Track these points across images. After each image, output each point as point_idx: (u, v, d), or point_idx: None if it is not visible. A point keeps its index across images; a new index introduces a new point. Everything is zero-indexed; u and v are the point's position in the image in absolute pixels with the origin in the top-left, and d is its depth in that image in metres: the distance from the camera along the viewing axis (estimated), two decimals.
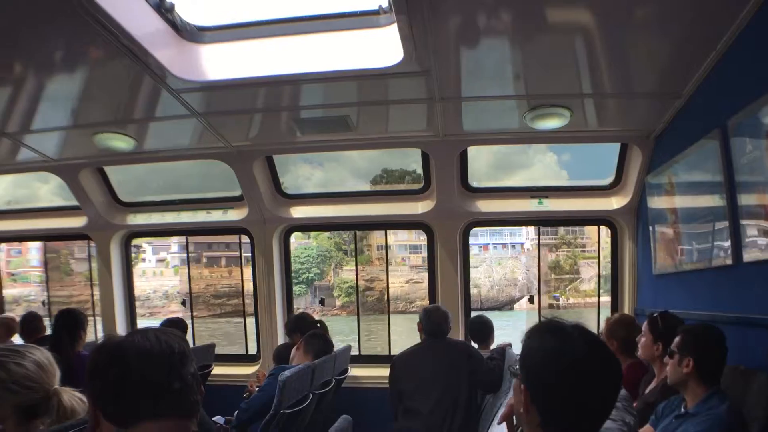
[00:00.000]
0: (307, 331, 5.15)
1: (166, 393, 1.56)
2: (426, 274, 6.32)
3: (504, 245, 39.87)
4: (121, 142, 5.24)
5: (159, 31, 3.88)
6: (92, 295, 7.20)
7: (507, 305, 37.40)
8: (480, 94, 4.41)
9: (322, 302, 24.79)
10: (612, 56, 3.79)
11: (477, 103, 4.56)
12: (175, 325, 5.59)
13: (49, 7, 3.20)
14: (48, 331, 5.81)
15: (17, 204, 7.89)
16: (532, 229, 31.35)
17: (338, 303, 36.56)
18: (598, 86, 4.24)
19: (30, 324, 5.66)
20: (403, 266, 36.66)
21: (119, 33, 3.44)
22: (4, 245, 11.54)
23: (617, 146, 5.45)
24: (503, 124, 4.99)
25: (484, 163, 5.71)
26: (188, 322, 6.04)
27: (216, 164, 5.84)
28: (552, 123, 4.61)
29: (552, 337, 1.59)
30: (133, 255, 6.76)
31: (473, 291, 6.28)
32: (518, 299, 36.81)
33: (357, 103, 4.63)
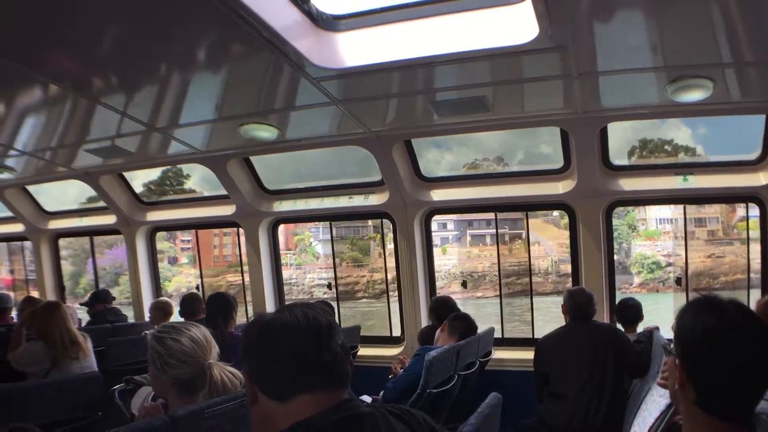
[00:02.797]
0: (449, 314, 5.43)
1: (317, 366, 1.67)
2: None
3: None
4: (265, 132, 5.72)
5: (296, 22, 4.19)
6: (242, 279, 8.04)
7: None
8: (617, 67, 4.44)
9: (464, 285, 24.87)
10: (752, 22, 3.72)
11: (615, 78, 4.60)
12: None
13: (196, 7, 3.59)
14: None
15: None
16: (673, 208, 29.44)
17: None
18: (740, 55, 4.17)
19: (189, 305, 6.21)
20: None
21: (260, 26, 3.78)
22: None
23: (759, 118, 5.34)
24: (643, 98, 5.01)
25: (620, 141, 5.70)
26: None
27: (346, 150, 6.33)
28: (695, 95, 4.59)
29: (710, 313, 1.66)
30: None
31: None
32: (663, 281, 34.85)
33: (492, 82, 4.77)
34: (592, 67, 4.42)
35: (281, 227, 7.61)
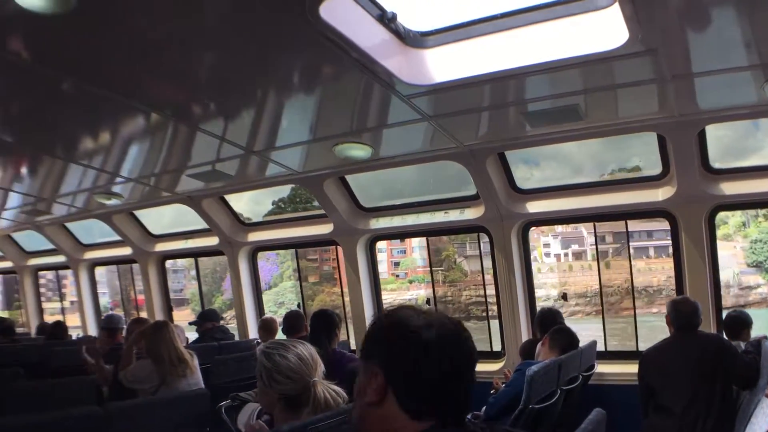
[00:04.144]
0: (550, 328, 5.44)
1: (458, 398, 1.68)
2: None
3: None
4: (359, 151, 5.92)
5: (385, 42, 4.34)
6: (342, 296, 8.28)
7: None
8: (711, 68, 4.36)
9: (564, 297, 24.30)
10: None
11: (709, 78, 4.51)
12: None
13: (288, 32, 3.81)
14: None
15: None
16: None
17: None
18: None
19: (292, 322, 6.46)
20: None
21: (349, 47, 3.94)
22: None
23: None
24: (740, 98, 4.91)
25: (713, 150, 5.51)
26: None
27: (436, 166, 6.47)
28: None
29: None
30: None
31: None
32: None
33: (584, 90, 4.79)
34: (685, 68, 4.38)
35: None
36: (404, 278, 35.83)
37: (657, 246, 33.64)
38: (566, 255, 35.77)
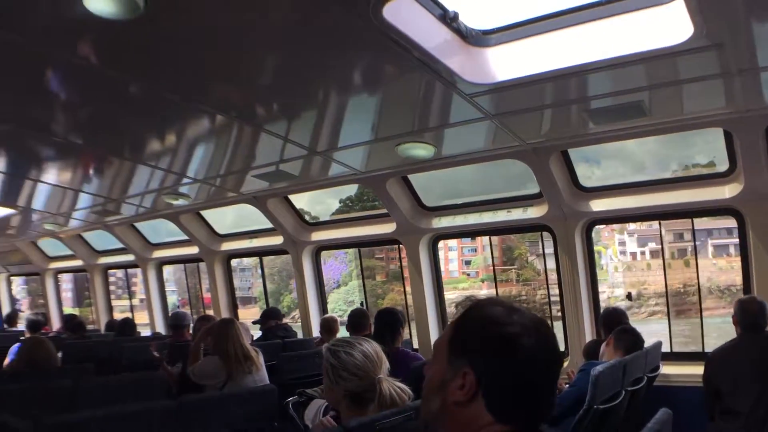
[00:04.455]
0: (615, 327, 5.38)
1: (547, 402, 1.66)
2: None
3: None
4: (421, 150, 5.97)
5: (447, 41, 4.34)
6: (405, 295, 8.34)
7: None
8: None
9: (629, 296, 23.73)
10: None
11: None
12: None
13: (350, 33, 3.86)
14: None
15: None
16: None
17: None
18: None
19: (356, 320, 6.65)
20: None
21: (411, 47, 3.97)
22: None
23: None
24: None
25: None
26: None
27: (496, 164, 6.48)
28: None
29: None
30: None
31: None
32: None
33: (648, 86, 4.72)
34: (752, 62, 4.26)
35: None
36: (475, 277, 35.43)
37: (738, 244, 32.27)
38: (642, 253, 35.01)
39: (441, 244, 7.97)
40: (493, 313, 1.69)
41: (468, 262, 34.80)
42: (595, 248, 7.36)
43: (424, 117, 5.43)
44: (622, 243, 34.58)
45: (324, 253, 9.46)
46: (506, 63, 4.57)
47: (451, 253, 27.29)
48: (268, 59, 4.43)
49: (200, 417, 4.10)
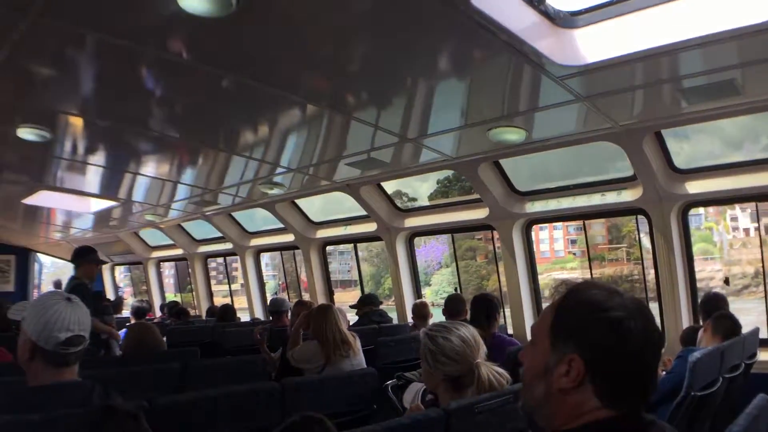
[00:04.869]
0: (713, 313, 5.30)
1: (650, 388, 1.64)
2: None
3: None
4: (512, 135, 5.97)
5: (534, 24, 4.33)
6: (499, 281, 8.40)
7: None
8: None
9: (726, 281, 22.53)
10: None
11: None
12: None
13: (436, 17, 3.87)
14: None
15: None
16: None
17: None
18: None
19: (452, 305, 6.73)
20: None
21: (499, 30, 3.96)
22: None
23: None
24: None
25: None
26: None
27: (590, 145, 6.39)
28: None
29: None
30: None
31: None
32: None
33: (740, 64, 4.57)
34: None
35: None
36: (582, 256, 34.63)
37: None
38: (756, 229, 33.66)
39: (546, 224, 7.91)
40: (595, 297, 1.68)
41: (574, 241, 34.01)
42: (705, 225, 7.19)
43: (514, 101, 5.41)
44: (734, 218, 33.25)
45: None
46: (595, 44, 4.53)
47: (556, 231, 26.87)
48: (357, 48, 4.50)
49: (302, 399, 4.23)
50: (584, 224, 8.12)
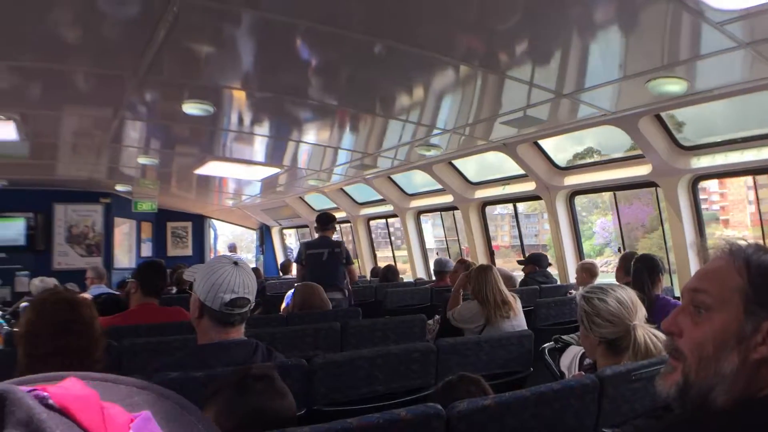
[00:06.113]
0: None
1: None
2: None
3: None
4: (673, 86, 5.76)
5: None
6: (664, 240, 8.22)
7: None
8: None
9: None
10: None
11: None
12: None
13: None
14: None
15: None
16: None
17: None
18: None
19: (621, 265, 6.75)
20: None
21: None
22: None
23: None
24: None
25: None
26: None
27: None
28: None
29: None
30: None
31: None
32: None
33: None
34: None
35: None
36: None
37: None
38: None
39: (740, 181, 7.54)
40: None
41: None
42: None
43: (674, 50, 5.22)
44: None
45: (629, 194, 9.33)
46: None
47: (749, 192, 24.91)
48: (509, 3, 4.45)
49: (456, 360, 4.35)
50: (754, 180, 7.68)
